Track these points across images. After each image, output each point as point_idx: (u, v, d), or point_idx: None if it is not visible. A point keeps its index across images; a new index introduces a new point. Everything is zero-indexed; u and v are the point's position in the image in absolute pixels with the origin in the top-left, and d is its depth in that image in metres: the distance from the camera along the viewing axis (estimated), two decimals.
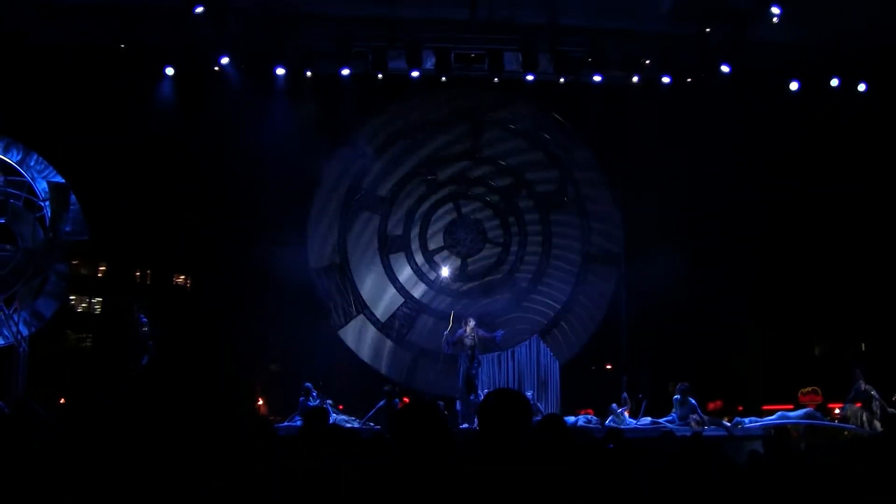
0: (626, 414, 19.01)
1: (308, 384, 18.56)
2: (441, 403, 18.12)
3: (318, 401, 18.35)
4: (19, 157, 18.29)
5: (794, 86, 20.65)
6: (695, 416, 17.76)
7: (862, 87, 20.75)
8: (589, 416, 18.69)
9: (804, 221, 20.64)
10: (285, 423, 17.26)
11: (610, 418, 18.50)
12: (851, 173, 20.46)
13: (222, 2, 18.57)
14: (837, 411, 19.42)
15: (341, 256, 22.54)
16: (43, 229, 18.31)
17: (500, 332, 19.58)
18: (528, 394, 18.80)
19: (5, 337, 17.71)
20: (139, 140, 19.73)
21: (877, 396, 17.77)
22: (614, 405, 18.95)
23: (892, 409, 17.60)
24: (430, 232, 22.91)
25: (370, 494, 3.36)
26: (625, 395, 19.55)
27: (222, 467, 3.85)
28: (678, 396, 18.07)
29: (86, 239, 18.68)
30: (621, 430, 15.78)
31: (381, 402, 18.12)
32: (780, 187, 20.64)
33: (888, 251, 20.71)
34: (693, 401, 17.90)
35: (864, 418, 17.73)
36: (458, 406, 18.56)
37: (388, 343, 22.35)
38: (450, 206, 23.04)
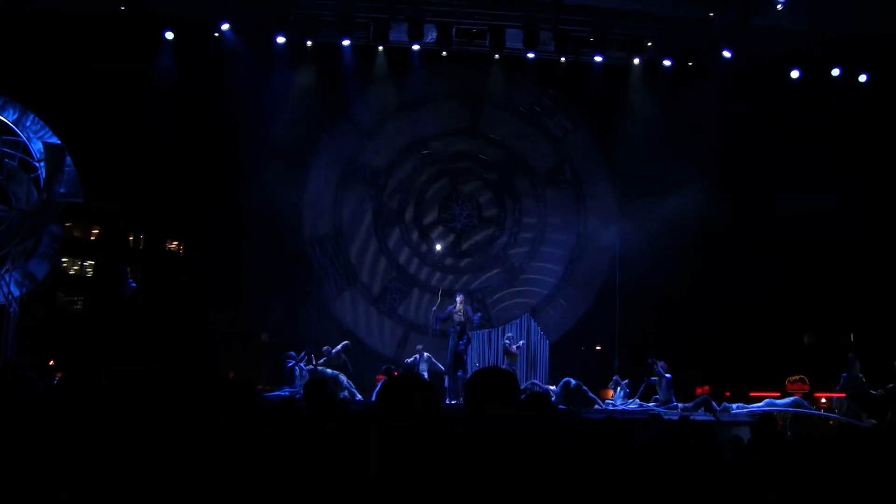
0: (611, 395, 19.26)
1: (292, 353, 18.69)
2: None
3: (304, 365, 18.52)
4: (15, 117, 18.16)
5: (794, 74, 20.63)
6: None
7: (863, 78, 20.73)
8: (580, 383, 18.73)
9: (799, 209, 20.60)
10: (274, 393, 17.29)
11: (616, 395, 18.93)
12: (847, 164, 20.47)
13: None
14: (824, 400, 19.52)
15: (336, 228, 22.52)
16: (37, 190, 18.21)
17: (477, 315, 19.57)
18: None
19: None
20: (136, 104, 19.62)
21: (864, 382, 17.87)
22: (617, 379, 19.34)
23: (877, 391, 17.73)
24: (425, 207, 22.88)
25: (355, 463, 3.37)
26: (616, 377, 19.67)
27: (214, 437, 3.86)
28: (655, 377, 18.20)
29: (80, 201, 18.59)
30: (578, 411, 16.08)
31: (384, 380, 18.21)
32: (775, 174, 20.62)
33: (879, 241, 20.75)
34: (668, 375, 18.07)
35: (849, 408, 17.82)
36: (445, 382, 18.60)
37: (380, 316, 22.38)
38: (446, 181, 23.01)
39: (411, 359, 19.35)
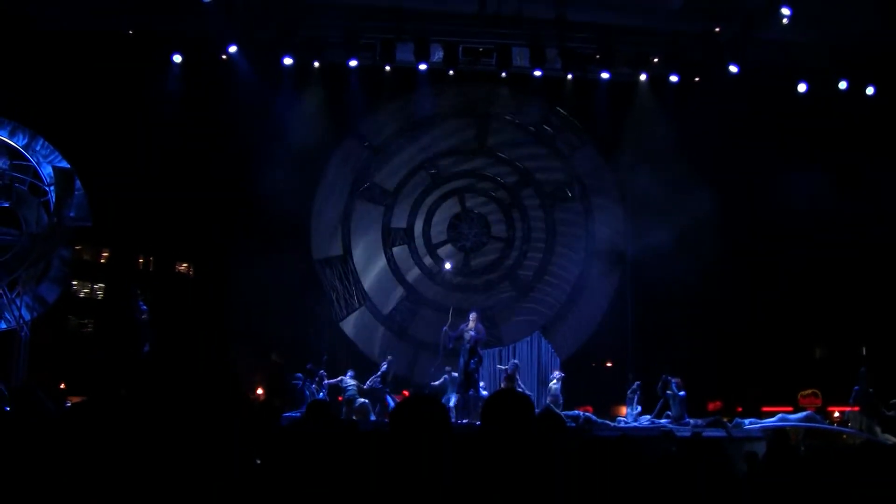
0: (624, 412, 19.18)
1: (299, 374, 18.74)
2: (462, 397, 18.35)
3: (315, 387, 18.52)
4: (25, 142, 18.26)
5: (801, 87, 20.60)
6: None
7: (870, 91, 20.68)
8: (588, 414, 18.66)
9: (808, 223, 20.57)
10: (288, 414, 17.25)
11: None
12: (855, 176, 20.42)
13: None
14: (837, 414, 19.40)
15: (344, 248, 22.54)
16: (47, 214, 18.29)
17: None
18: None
19: (7, 321, 17.71)
20: (145, 127, 19.69)
21: (873, 396, 17.78)
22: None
23: (890, 413, 17.61)
24: (433, 226, 22.88)
25: (366, 484, 3.36)
26: (636, 384, 19.50)
27: (228, 457, 3.85)
28: (670, 392, 18.13)
29: (89, 225, 18.67)
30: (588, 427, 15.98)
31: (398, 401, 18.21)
32: (784, 188, 20.57)
33: (890, 254, 20.67)
34: (683, 392, 18.00)
35: (863, 422, 17.72)
36: (457, 401, 18.52)
37: (390, 336, 22.34)
38: (454, 200, 23.01)
39: (440, 381, 19.16)
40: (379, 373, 19.11)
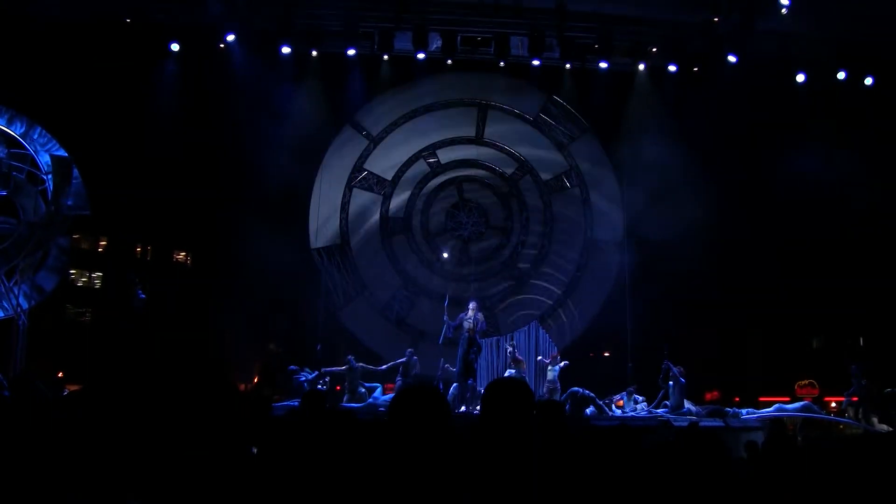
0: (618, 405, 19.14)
1: (294, 367, 18.69)
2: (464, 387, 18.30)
3: (309, 378, 18.52)
4: (23, 130, 18.22)
5: (800, 77, 20.58)
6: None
7: (869, 81, 20.65)
8: (587, 392, 18.58)
9: (806, 211, 20.56)
10: (283, 404, 17.26)
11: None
12: (853, 166, 20.41)
13: None
14: (834, 405, 19.42)
15: (342, 237, 22.53)
16: (45, 203, 18.27)
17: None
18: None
19: (5, 309, 17.71)
20: (142, 115, 19.64)
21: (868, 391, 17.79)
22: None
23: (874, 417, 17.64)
24: (431, 215, 22.86)
25: (365, 475, 3.36)
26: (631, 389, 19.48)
27: (219, 447, 3.85)
28: (672, 381, 18.08)
29: (87, 213, 18.64)
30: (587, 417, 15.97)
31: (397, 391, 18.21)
32: (781, 178, 20.57)
33: (887, 245, 20.68)
34: (683, 380, 17.96)
35: (860, 413, 17.75)
36: (455, 390, 18.52)
37: (388, 325, 22.34)
38: (452, 189, 22.99)
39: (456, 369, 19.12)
40: (400, 360, 18.98)
